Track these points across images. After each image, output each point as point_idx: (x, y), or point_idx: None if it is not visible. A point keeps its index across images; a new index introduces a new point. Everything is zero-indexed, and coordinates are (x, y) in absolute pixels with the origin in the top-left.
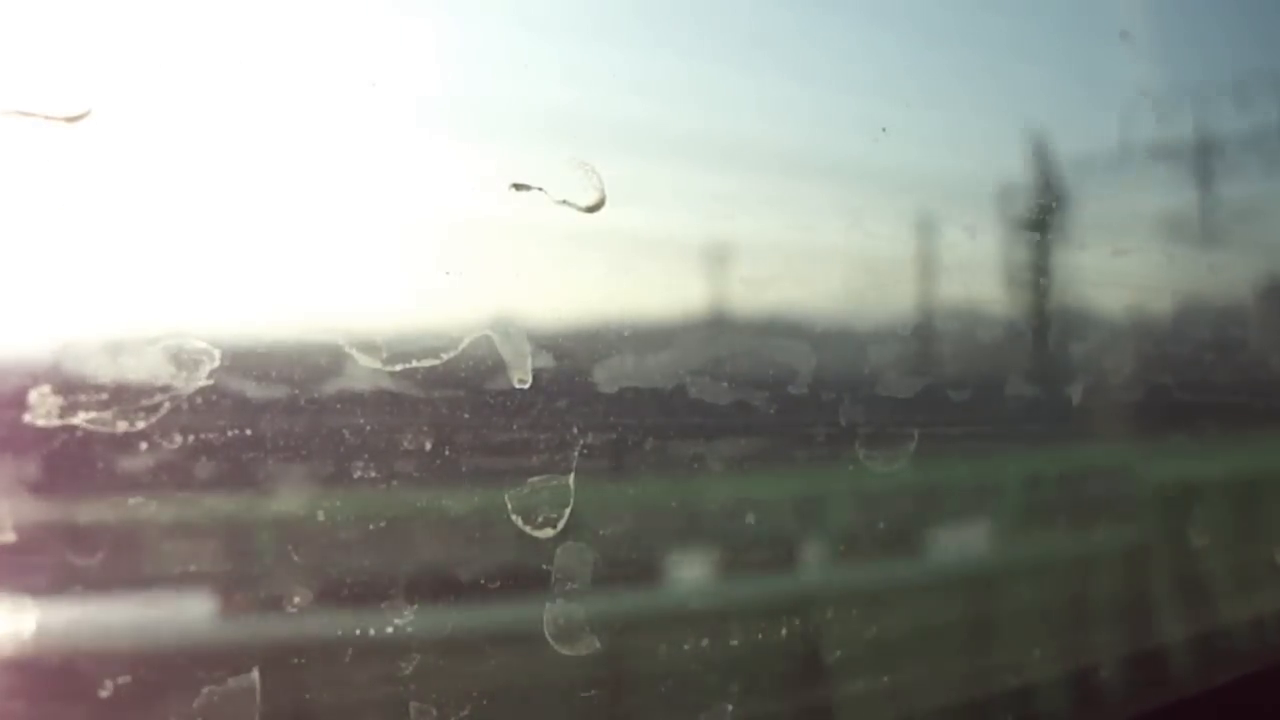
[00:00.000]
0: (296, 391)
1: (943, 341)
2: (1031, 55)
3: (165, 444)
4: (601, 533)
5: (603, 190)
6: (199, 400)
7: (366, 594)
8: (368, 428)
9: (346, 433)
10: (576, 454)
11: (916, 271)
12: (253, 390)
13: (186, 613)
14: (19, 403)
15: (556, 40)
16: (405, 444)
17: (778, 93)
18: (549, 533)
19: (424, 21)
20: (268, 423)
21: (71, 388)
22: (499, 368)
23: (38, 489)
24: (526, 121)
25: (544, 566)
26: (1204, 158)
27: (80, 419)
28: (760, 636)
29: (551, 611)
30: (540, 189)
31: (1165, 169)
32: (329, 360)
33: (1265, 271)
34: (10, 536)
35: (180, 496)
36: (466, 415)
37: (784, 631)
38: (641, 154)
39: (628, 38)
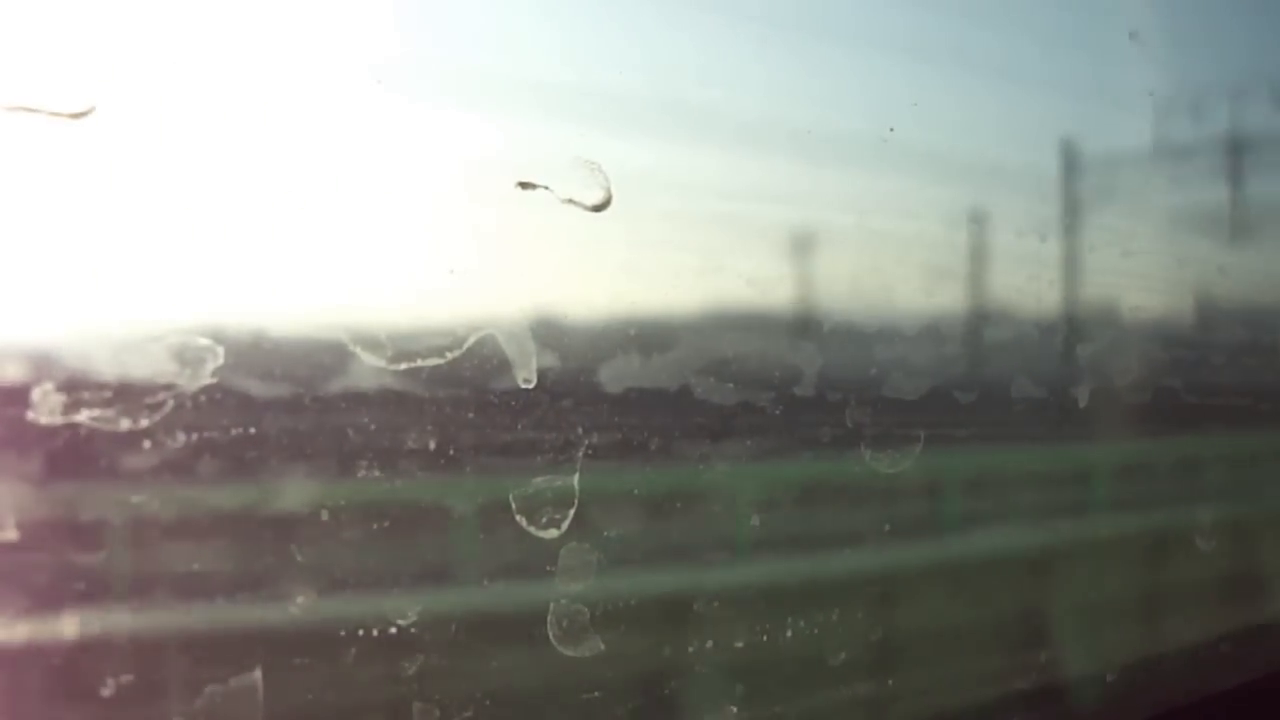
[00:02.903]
0: (300, 390)
1: (950, 342)
2: (1040, 53)
3: (169, 442)
4: (606, 533)
5: (609, 189)
6: (203, 398)
7: (370, 593)
8: (372, 426)
9: (350, 431)
10: (581, 454)
11: (924, 270)
12: (257, 388)
13: (190, 611)
14: (22, 400)
15: (562, 29)
16: (409, 443)
17: (787, 83)
18: (553, 533)
19: (432, 18)
20: (271, 421)
21: (75, 385)
22: (504, 367)
23: (40, 486)
24: (534, 118)
25: (548, 567)
26: (1213, 157)
27: (83, 416)
28: (767, 636)
29: (555, 612)
30: (546, 187)
31: (1174, 168)
32: (333, 359)
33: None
34: (13, 534)
35: (184, 494)
36: (471, 414)
37: (790, 631)
38: (650, 146)
39: (639, 23)
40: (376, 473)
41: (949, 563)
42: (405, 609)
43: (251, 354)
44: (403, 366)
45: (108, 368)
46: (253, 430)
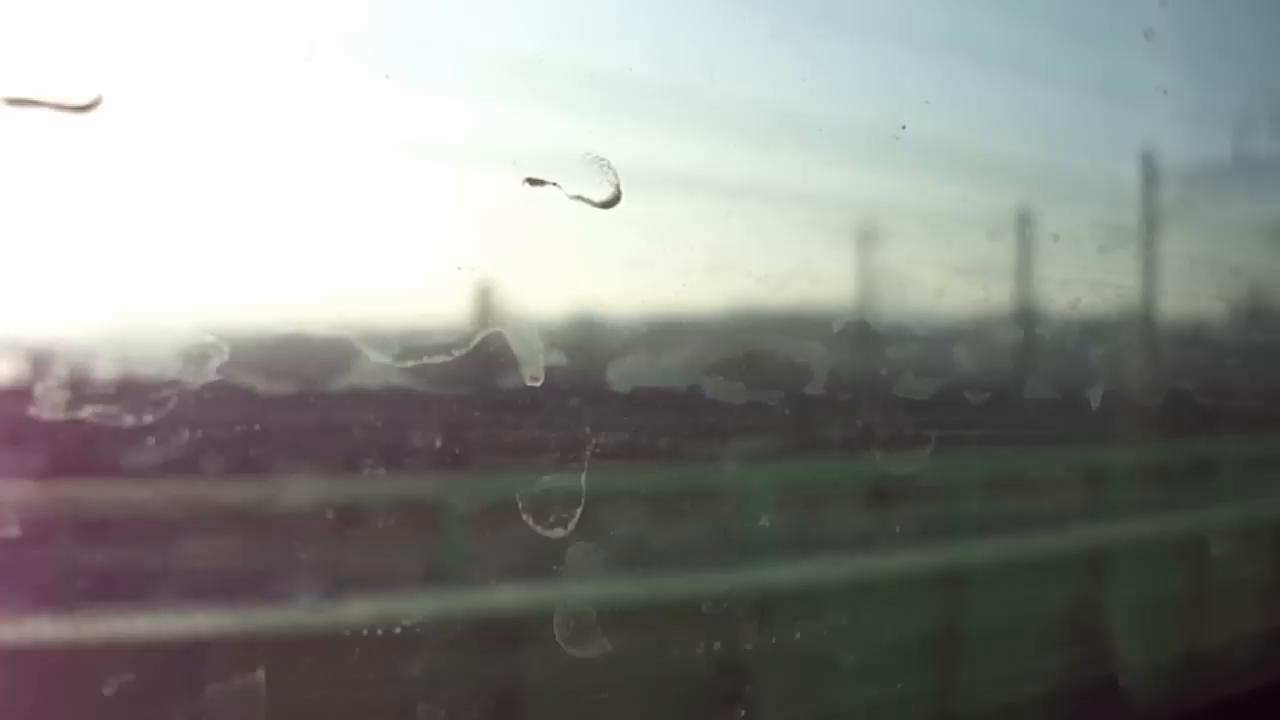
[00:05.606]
0: (305, 387)
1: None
2: (1050, 55)
3: (173, 438)
4: (613, 533)
5: (618, 185)
6: (207, 395)
7: (375, 592)
8: (377, 424)
9: (356, 429)
10: (588, 453)
11: (931, 272)
12: (261, 385)
13: (193, 608)
14: (26, 396)
15: (572, 23)
16: (415, 441)
17: (798, 86)
18: (560, 532)
19: (442, 12)
20: (276, 418)
21: (79, 381)
22: (510, 365)
23: (44, 482)
24: (542, 114)
25: (555, 567)
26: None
27: (87, 412)
28: (774, 638)
29: (562, 612)
30: (555, 184)
31: (1188, 171)
32: (339, 356)
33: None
34: (16, 530)
35: (188, 491)
36: (477, 412)
37: (798, 633)
38: (658, 144)
39: (652, 25)
40: (382, 470)
41: None
42: (410, 608)
43: (256, 350)
44: (409, 364)
45: (112, 364)
46: (257, 427)
